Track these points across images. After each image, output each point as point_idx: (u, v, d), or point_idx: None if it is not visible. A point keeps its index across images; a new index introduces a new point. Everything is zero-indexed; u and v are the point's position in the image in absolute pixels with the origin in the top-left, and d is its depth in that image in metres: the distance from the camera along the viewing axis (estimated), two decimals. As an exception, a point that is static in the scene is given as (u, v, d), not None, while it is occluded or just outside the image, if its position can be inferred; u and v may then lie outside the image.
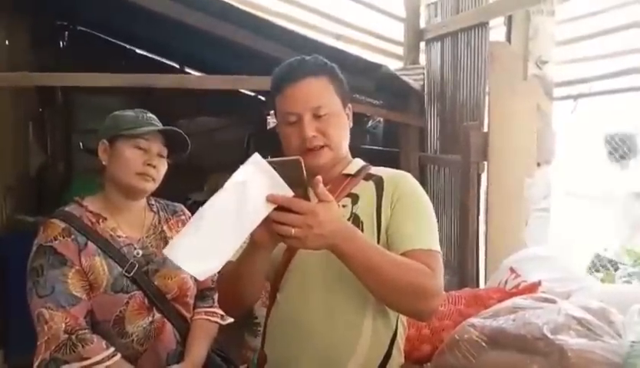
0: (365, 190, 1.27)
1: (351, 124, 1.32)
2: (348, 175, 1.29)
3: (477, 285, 2.86)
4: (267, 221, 1.01)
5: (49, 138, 4.87)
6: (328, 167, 1.25)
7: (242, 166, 1.00)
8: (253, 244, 1.08)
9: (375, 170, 1.32)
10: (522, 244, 2.77)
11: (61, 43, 5.17)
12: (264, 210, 1.00)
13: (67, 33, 5.18)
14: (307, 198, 1.01)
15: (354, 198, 1.25)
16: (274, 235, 1.03)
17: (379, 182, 1.27)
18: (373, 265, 1.08)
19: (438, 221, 3.68)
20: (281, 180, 1.00)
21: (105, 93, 3.78)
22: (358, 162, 1.34)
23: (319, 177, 1.04)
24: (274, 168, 1.00)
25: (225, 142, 5.73)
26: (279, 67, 1.28)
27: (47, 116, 4.82)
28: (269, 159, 1.01)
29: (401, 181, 1.27)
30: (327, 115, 1.22)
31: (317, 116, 1.21)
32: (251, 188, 0.99)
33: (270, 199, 0.99)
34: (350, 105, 1.31)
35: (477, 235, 2.95)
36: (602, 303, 1.64)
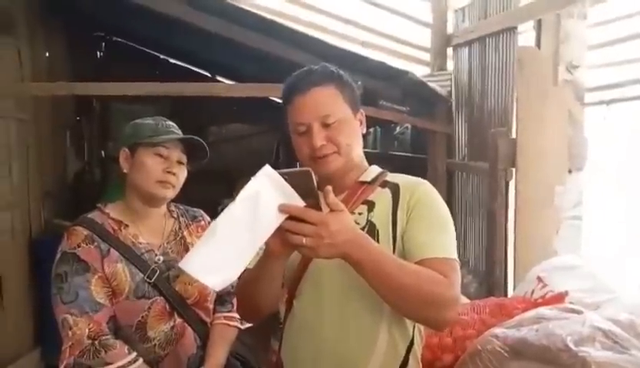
0: (381, 197, 1.26)
1: (364, 130, 1.32)
2: (364, 183, 1.29)
3: (505, 294, 2.80)
4: (280, 231, 1.02)
5: (86, 145, 5.04)
6: (340, 174, 1.25)
7: (253, 178, 1.02)
8: (268, 253, 1.10)
9: (392, 177, 1.32)
10: (552, 253, 2.71)
11: (99, 53, 5.35)
12: (276, 220, 1.02)
13: (104, 44, 5.36)
14: (318, 208, 1.02)
15: (370, 206, 1.25)
16: (287, 244, 1.04)
17: (395, 189, 1.26)
18: (386, 274, 1.07)
19: (466, 229, 3.61)
20: (292, 190, 1.01)
21: (140, 101, 3.89)
22: (375, 169, 1.33)
23: (329, 187, 1.04)
24: (285, 179, 1.01)
25: (255, 148, 5.81)
26: (288, 79, 1.29)
27: (84, 124, 4.98)
28: (280, 170, 1.02)
29: (418, 188, 1.26)
30: (336, 123, 1.22)
31: (326, 125, 1.22)
32: (263, 200, 1.01)
33: (282, 209, 1.01)
34: (362, 111, 1.31)
35: (505, 243, 2.90)
36: (632, 315, 1.59)
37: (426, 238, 1.18)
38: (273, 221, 1.01)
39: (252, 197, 1.01)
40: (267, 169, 1.02)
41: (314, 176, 1.01)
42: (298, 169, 1.03)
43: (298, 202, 1.01)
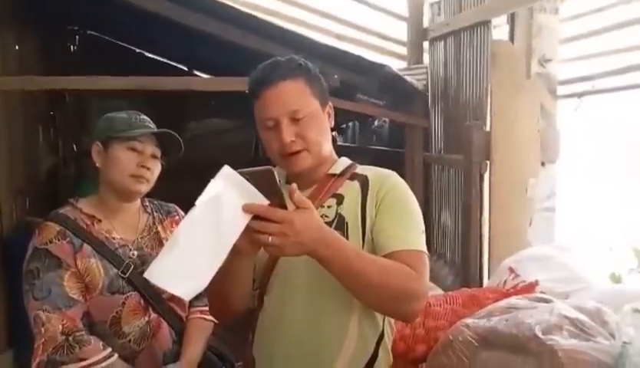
0: (350, 190, 1.26)
1: (332, 123, 1.30)
2: (333, 175, 1.29)
3: (480, 285, 2.85)
4: (247, 230, 1.01)
5: (60, 140, 4.95)
6: (310, 169, 1.25)
7: (212, 180, 1.00)
8: (235, 252, 1.08)
9: (361, 169, 1.31)
10: (525, 244, 2.76)
11: (72, 47, 5.24)
12: (242, 221, 1.00)
13: (77, 37, 5.25)
14: (283, 206, 1.02)
15: (339, 199, 1.25)
16: (254, 243, 1.03)
17: (364, 182, 1.26)
18: (354, 269, 1.07)
19: (442, 221, 3.63)
20: (255, 190, 1.00)
21: (116, 96, 3.83)
22: (344, 162, 1.33)
23: (294, 185, 1.04)
24: (246, 179, 1.00)
25: (233, 143, 5.76)
26: (254, 71, 1.26)
27: (58, 119, 4.89)
28: (240, 170, 1.01)
29: (387, 180, 1.25)
30: (305, 118, 1.21)
31: (295, 120, 1.20)
32: (226, 201, 0.99)
33: (246, 209, 1.00)
34: (330, 104, 1.30)
35: (480, 235, 2.95)
36: (600, 303, 1.63)
37: (395, 231, 1.18)
38: (239, 222, 1.00)
39: (212, 199, 0.99)
40: (226, 169, 1.01)
41: (276, 174, 1.00)
42: (259, 168, 1.02)
43: (262, 201, 1.00)
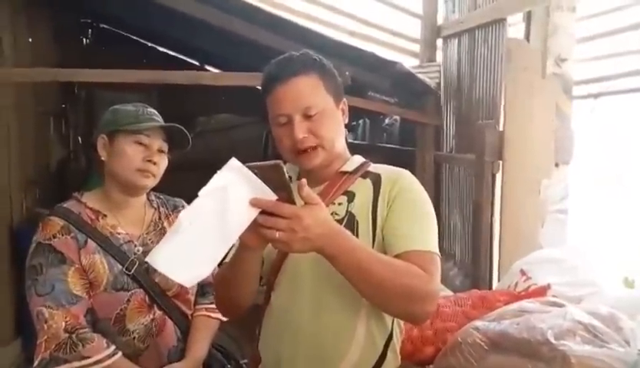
0: (362, 188, 1.24)
1: (347, 120, 1.28)
2: (345, 173, 1.27)
3: (490, 287, 2.81)
4: (254, 225, 1.00)
5: (71, 133, 4.97)
6: (322, 166, 1.23)
7: (219, 172, 0.99)
8: (242, 247, 1.08)
9: (374, 168, 1.29)
10: (537, 246, 2.72)
11: (84, 40, 5.27)
12: (249, 215, 0.99)
13: (90, 30, 5.28)
14: (291, 202, 1.00)
15: (351, 196, 1.23)
16: (261, 238, 1.02)
17: (376, 180, 1.24)
18: (363, 268, 1.05)
19: (453, 221, 3.58)
20: (263, 184, 0.98)
21: (127, 89, 3.83)
22: (357, 160, 1.31)
23: (304, 180, 1.02)
24: (255, 173, 0.98)
25: (244, 138, 5.75)
26: (267, 67, 1.24)
27: (69, 112, 4.91)
28: (248, 164, 0.99)
29: (399, 179, 1.23)
30: (318, 114, 1.18)
31: (308, 116, 1.18)
32: (232, 194, 0.98)
33: (253, 203, 0.98)
34: (345, 100, 1.28)
35: (491, 236, 2.90)
36: (614, 309, 1.59)
37: (406, 231, 1.16)
38: (246, 216, 0.99)
39: (218, 191, 0.98)
40: (234, 162, 0.99)
41: (285, 169, 0.99)
42: (268, 162, 1.00)
43: (270, 196, 0.99)
